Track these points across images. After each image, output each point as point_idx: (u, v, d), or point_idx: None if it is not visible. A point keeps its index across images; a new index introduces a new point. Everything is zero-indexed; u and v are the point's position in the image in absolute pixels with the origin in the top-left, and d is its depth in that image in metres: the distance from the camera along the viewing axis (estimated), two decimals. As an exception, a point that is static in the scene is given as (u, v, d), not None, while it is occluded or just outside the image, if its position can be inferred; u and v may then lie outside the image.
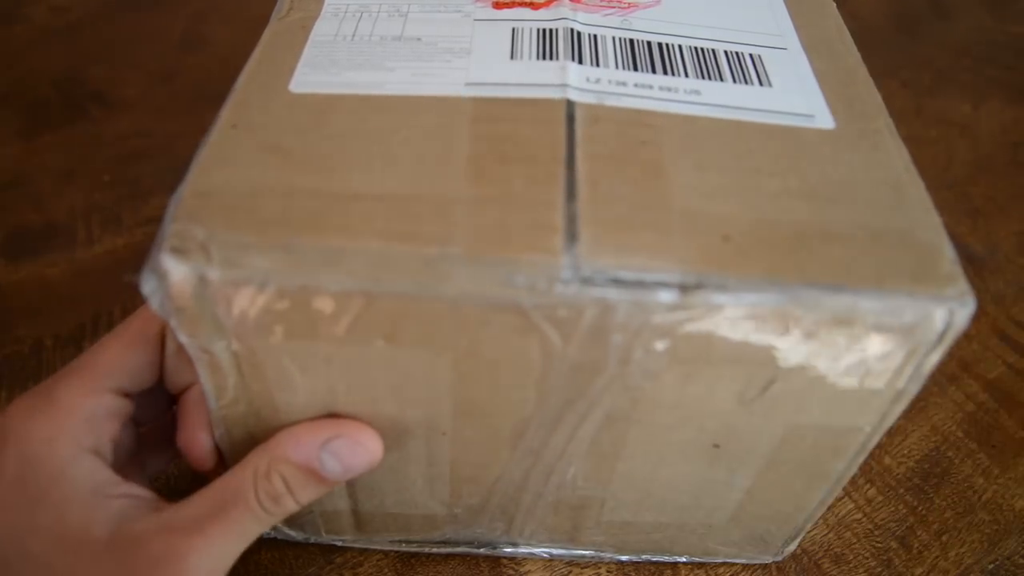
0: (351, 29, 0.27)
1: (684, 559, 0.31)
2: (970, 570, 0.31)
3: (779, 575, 0.31)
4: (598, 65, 0.25)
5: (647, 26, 0.27)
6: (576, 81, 0.24)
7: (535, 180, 0.21)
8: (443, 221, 0.20)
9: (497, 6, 0.28)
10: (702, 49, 0.26)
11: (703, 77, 0.25)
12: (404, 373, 0.22)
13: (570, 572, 0.31)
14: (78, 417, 0.22)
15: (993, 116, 0.52)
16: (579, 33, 0.26)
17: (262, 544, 0.31)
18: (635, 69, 0.25)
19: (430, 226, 0.20)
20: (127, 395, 0.24)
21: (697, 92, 0.24)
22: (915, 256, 0.20)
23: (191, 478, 0.32)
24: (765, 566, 0.31)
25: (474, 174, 0.21)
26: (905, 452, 0.35)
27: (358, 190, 0.21)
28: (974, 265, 0.43)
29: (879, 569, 0.31)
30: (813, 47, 0.27)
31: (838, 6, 0.30)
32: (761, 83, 0.25)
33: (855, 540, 0.32)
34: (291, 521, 0.29)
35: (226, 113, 0.23)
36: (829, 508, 0.32)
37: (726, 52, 0.26)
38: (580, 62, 0.25)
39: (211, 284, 0.19)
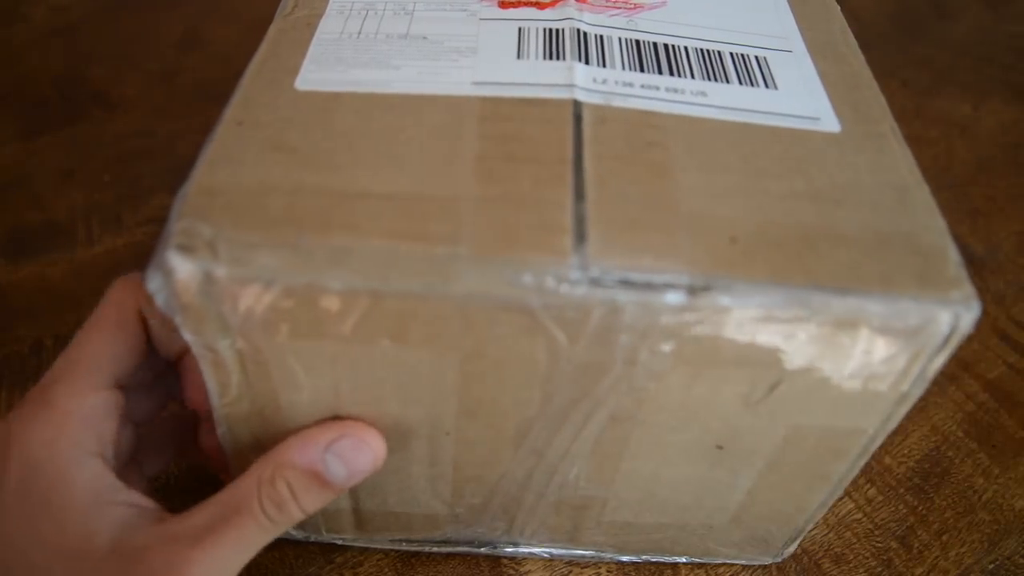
0: (357, 27, 0.27)
1: (684, 559, 0.31)
2: (970, 570, 0.31)
3: (779, 575, 0.31)
4: (605, 66, 0.25)
5: (652, 27, 0.27)
6: (583, 82, 0.24)
7: (543, 180, 0.21)
8: (450, 220, 0.20)
9: (503, 5, 0.28)
10: (708, 51, 0.26)
11: (709, 79, 0.25)
12: (410, 373, 0.22)
13: (570, 572, 0.31)
14: (77, 419, 0.22)
15: (993, 116, 0.52)
16: (585, 33, 0.26)
17: (262, 544, 0.31)
18: (641, 70, 0.25)
19: (437, 225, 0.20)
20: (120, 386, 0.24)
21: (703, 94, 0.24)
22: (921, 259, 0.20)
23: (192, 477, 0.32)
24: (766, 567, 0.31)
25: (481, 173, 0.21)
26: (905, 452, 0.35)
27: (365, 188, 0.20)
28: (974, 265, 0.43)
29: (879, 569, 0.31)
30: (817, 49, 0.27)
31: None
32: (767, 85, 0.25)
33: (855, 540, 0.32)
34: None
35: (231, 110, 0.23)
36: (829, 508, 0.32)
37: (732, 54, 0.26)
38: (587, 63, 0.25)
39: (217, 282, 0.19)
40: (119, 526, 0.22)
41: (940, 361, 0.21)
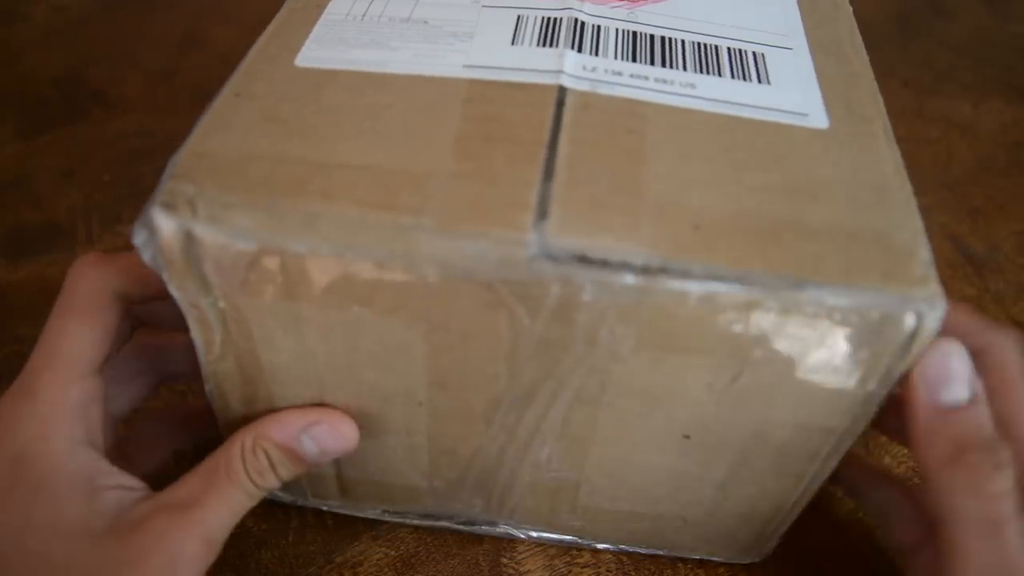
0: (363, 9, 0.28)
1: (663, 552, 0.31)
2: (963, 574, 0.31)
3: (778, 574, 0.31)
4: (597, 54, 0.25)
5: (653, 20, 0.28)
6: (572, 68, 0.24)
7: (516, 160, 0.21)
8: (420, 193, 0.20)
9: None
10: (704, 44, 0.27)
11: (701, 71, 0.25)
12: (381, 340, 0.22)
13: (570, 572, 0.31)
14: (65, 409, 0.23)
15: (993, 116, 0.52)
16: (583, 23, 0.27)
17: (262, 544, 0.31)
18: (634, 60, 0.25)
19: (407, 197, 0.20)
20: (99, 370, 0.24)
21: (692, 85, 0.25)
22: (889, 256, 0.20)
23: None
24: (764, 565, 0.31)
25: (458, 151, 0.22)
26: (905, 452, 0.35)
27: (344, 160, 0.21)
28: (974, 265, 0.43)
29: (879, 569, 0.31)
30: (821, 48, 0.27)
31: (839, 6, 0.30)
32: (760, 80, 0.25)
33: (855, 540, 0.32)
34: None
35: (231, 83, 0.24)
36: (829, 508, 0.32)
37: (729, 48, 0.26)
38: (579, 50, 0.25)
39: (197, 240, 0.20)
40: (115, 505, 0.22)
41: (907, 361, 0.21)
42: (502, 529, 0.31)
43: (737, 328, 0.20)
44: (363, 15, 0.27)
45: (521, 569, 0.31)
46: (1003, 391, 0.23)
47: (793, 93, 0.25)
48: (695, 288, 0.19)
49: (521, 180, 0.21)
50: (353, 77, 0.24)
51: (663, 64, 0.25)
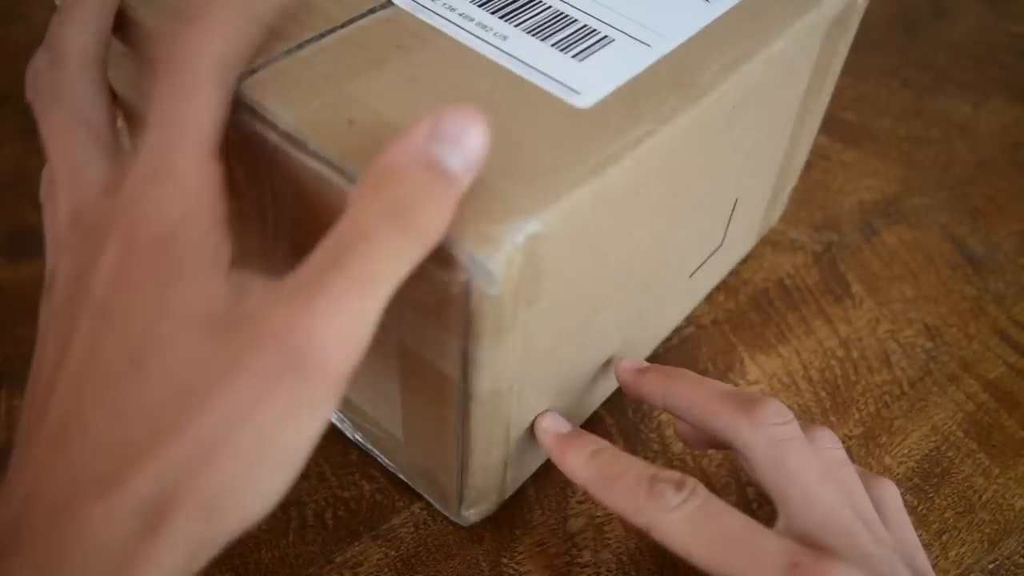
0: None
1: (389, 464, 0.32)
2: (970, 570, 0.31)
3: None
4: None
5: None
6: None
7: (290, 35, 0.24)
8: None
9: None
10: (563, 14, 0.27)
11: (531, 32, 0.26)
12: None
13: (570, 572, 0.31)
14: (209, 187, 0.20)
15: (993, 116, 0.52)
16: None
17: (262, 544, 0.31)
18: (480, 5, 0.26)
19: None
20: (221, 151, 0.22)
21: (505, 37, 0.25)
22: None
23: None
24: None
25: None
26: (905, 452, 0.35)
27: None
28: (974, 265, 0.43)
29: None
30: (682, 58, 0.26)
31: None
32: (576, 56, 0.25)
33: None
34: None
35: None
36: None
37: (584, 25, 0.26)
38: None
39: None
40: (238, 291, 0.19)
41: None
42: None
43: None
44: None
45: (521, 569, 0.31)
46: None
47: (590, 75, 0.24)
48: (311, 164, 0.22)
49: (264, 50, 0.23)
50: None
51: (502, 16, 0.26)
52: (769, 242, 0.43)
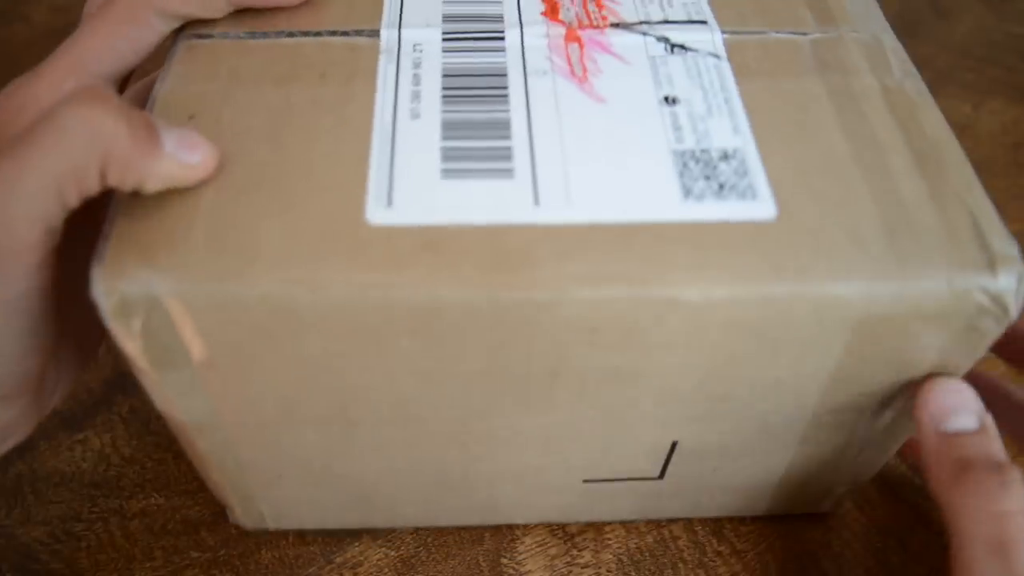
0: None
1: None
2: (970, 570, 0.31)
3: (779, 575, 0.31)
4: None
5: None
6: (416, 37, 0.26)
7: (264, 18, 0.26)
8: None
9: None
10: (508, 136, 0.24)
11: (447, 128, 0.24)
12: None
13: (570, 572, 0.31)
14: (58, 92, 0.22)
15: (993, 116, 0.52)
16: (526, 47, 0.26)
17: (262, 544, 0.31)
18: (444, 83, 0.25)
19: None
20: (114, 81, 0.24)
21: (417, 116, 0.24)
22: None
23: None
24: (765, 565, 0.31)
25: None
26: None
27: None
28: (974, 265, 0.43)
29: (878, 569, 0.31)
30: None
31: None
32: (444, 173, 0.23)
33: (854, 539, 0.32)
34: None
35: None
36: (828, 508, 0.32)
37: (507, 147, 0.24)
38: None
39: None
40: None
41: None
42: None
43: None
44: None
45: (521, 569, 0.31)
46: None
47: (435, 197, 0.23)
48: None
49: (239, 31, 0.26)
50: None
51: (447, 96, 0.25)
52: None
